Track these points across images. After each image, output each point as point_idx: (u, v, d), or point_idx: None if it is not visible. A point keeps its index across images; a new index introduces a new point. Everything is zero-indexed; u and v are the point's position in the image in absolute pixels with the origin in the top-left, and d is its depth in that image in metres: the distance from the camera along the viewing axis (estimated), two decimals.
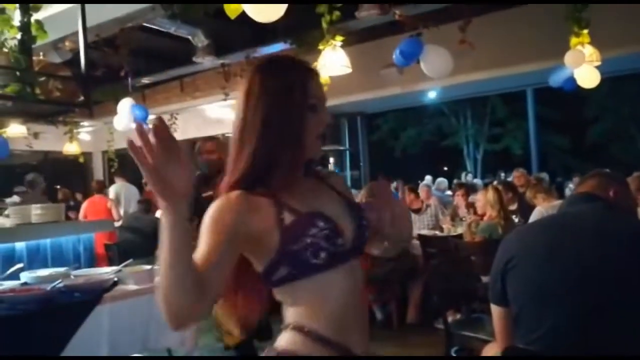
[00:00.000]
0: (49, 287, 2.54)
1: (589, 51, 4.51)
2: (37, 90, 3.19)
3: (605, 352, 1.54)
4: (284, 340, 1.10)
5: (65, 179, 11.35)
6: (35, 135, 9.14)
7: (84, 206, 6.91)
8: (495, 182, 5.24)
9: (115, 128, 6.95)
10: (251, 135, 1.08)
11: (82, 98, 3.44)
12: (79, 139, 9.81)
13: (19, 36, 3.18)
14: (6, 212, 3.50)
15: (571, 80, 4.74)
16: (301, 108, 1.09)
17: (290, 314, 1.11)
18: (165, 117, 9.01)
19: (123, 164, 10.38)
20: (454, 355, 2.83)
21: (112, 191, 8.05)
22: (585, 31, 4.51)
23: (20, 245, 3.18)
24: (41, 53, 3.47)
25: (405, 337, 4.34)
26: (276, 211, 1.06)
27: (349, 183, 13.22)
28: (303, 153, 1.11)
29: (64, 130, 9.55)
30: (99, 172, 11.29)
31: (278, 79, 1.11)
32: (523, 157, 16.15)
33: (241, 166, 1.09)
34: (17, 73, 3.09)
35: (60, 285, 2.61)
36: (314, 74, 1.16)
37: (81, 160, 9.79)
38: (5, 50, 3.05)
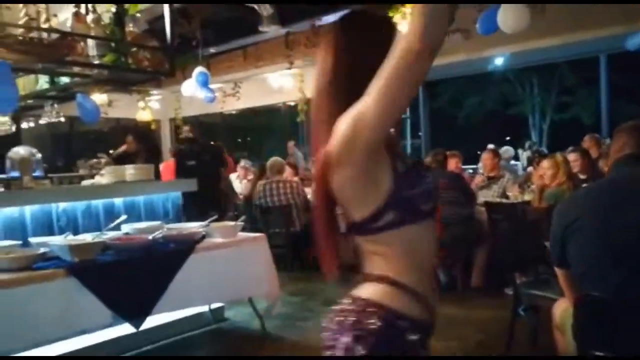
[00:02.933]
0: (149, 237, 2.85)
1: None
2: (130, 60, 3.45)
3: None
4: (370, 291, 1.11)
5: None
6: (110, 103, 9.64)
7: (160, 169, 7.37)
8: (568, 150, 5.07)
9: (183, 94, 7.37)
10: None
11: (167, 67, 3.69)
12: (150, 107, 10.30)
13: (113, 9, 3.45)
14: (102, 172, 3.85)
15: None
16: None
17: (376, 264, 1.13)
18: (229, 86, 9.31)
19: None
20: (521, 313, 2.95)
21: None
22: None
23: (118, 201, 3.54)
24: (131, 24, 3.72)
25: (470, 300, 4.45)
26: (391, 160, 1.12)
27: (408, 151, 13.18)
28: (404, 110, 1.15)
29: (136, 98, 10.05)
30: (166, 138, 11.83)
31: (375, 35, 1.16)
32: (592, 128, 15.45)
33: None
34: (112, 44, 3.36)
35: (160, 236, 2.91)
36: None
37: (153, 126, 10.29)
38: (103, 23, 3.32)
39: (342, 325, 1.10)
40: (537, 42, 6.19)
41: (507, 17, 4.55)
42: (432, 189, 1.16)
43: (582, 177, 4.55)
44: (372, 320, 1.07)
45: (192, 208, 4.72)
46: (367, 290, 1.12)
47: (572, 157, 4.62)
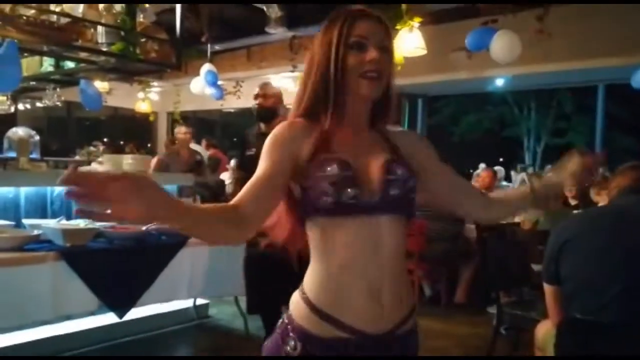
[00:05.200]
0: (143, 227, 2.86)
1: None
2: (137, 50, 3.47)
3: None
4: (294, 309, 1.13)
5: (131, 135, 11.97)
6: (110, 91, 9.61)
7: (153, 162, 7.36)
8: None
9: (192, 91, 7.49)
10: (305, 77, 1.21)
11: (174, 60, 3.71)
12: (149, 98, 10.29)
13: None
14: (99, 159, 3.86)
15: None
16: (337, 46, 1.13)
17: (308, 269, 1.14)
18: (231, 84, 9.34)
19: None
20: (503, 332, 2.99)
21: None
22: None
23: None
24: (141, 16, 3.74)
25: (452, 315, 4.49)
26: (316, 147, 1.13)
27: None
28: (341, 90, 1.15)
29: (136, 88, 10.02)
30: (162, 131, 11.81)
31: (327, 24, 1.19)
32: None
33: (300, 104, 1.20)
34: (122, 33, 3.38)
35: (153, 227, 2.92)
36: (363, 14, 1.16)
37: (152, 118, 10.27)
38: (114, 12, 3.34)
39: None
40: (539, 67, 6.27)
41: (499, 47, 4.67)
42: (333, 184, 1.08)
43: (573, 202, 4.61)
44: None
45: None
46: (290, 304, 1.17)
47: None
